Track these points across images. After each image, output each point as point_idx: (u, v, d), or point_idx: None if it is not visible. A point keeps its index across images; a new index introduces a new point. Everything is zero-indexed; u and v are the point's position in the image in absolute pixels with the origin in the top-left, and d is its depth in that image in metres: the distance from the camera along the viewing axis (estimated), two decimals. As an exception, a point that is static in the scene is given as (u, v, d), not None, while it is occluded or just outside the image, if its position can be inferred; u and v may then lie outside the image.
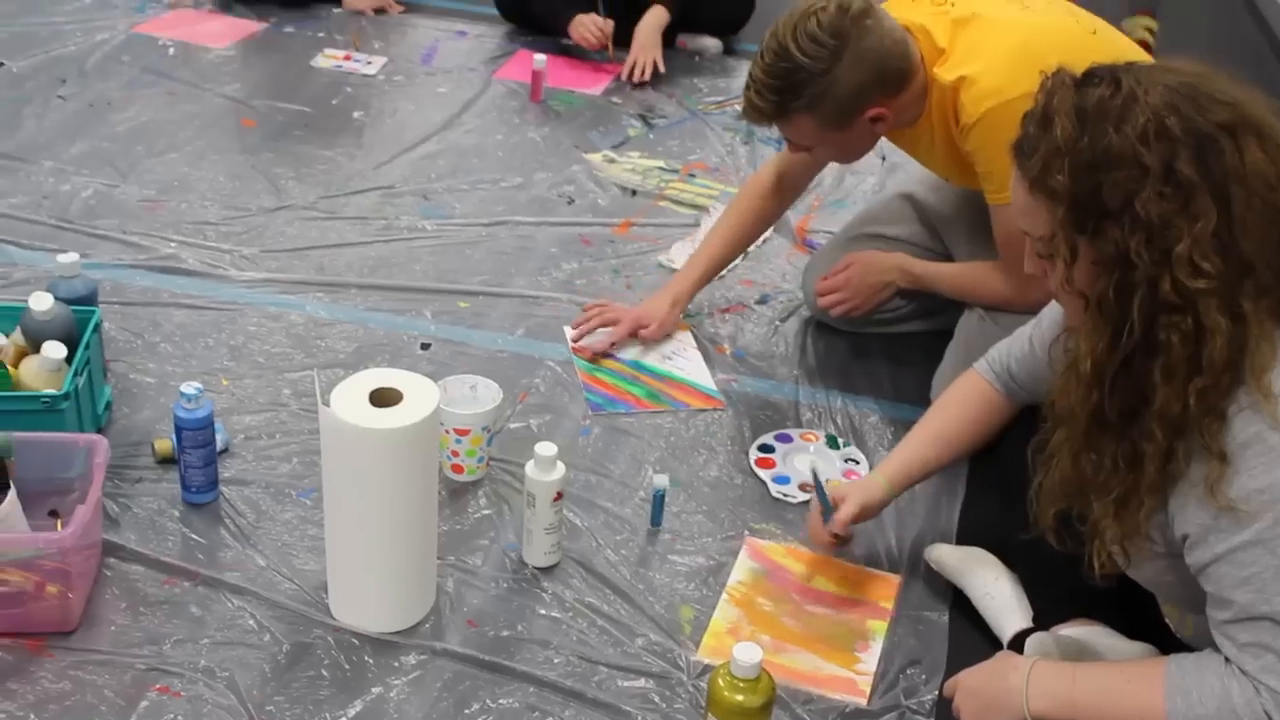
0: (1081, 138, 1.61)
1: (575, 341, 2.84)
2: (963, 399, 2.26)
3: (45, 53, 4.11)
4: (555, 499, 2.20)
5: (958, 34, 2.42)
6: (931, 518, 2.43)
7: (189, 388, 2.27)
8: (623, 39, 4.13)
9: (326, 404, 1.97)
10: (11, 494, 2.08)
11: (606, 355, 2.80)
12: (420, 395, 2.00)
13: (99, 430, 2.43)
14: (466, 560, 2.28)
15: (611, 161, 3.60)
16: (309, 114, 3.82)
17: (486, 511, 2.39)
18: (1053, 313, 2.07)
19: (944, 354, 2.67)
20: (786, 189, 2.88)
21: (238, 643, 2.10)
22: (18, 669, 2.04)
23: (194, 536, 2.30)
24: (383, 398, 1.98)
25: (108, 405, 2.56)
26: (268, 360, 2.76)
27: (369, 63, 4.15)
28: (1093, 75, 1.67)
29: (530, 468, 2.19)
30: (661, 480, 2.36)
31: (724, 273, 3.07)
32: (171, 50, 4.18)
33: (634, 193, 3.47)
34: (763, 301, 3.04)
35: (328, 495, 2.06)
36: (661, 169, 3.58)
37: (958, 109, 2.38)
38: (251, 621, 2.14)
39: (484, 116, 3.85)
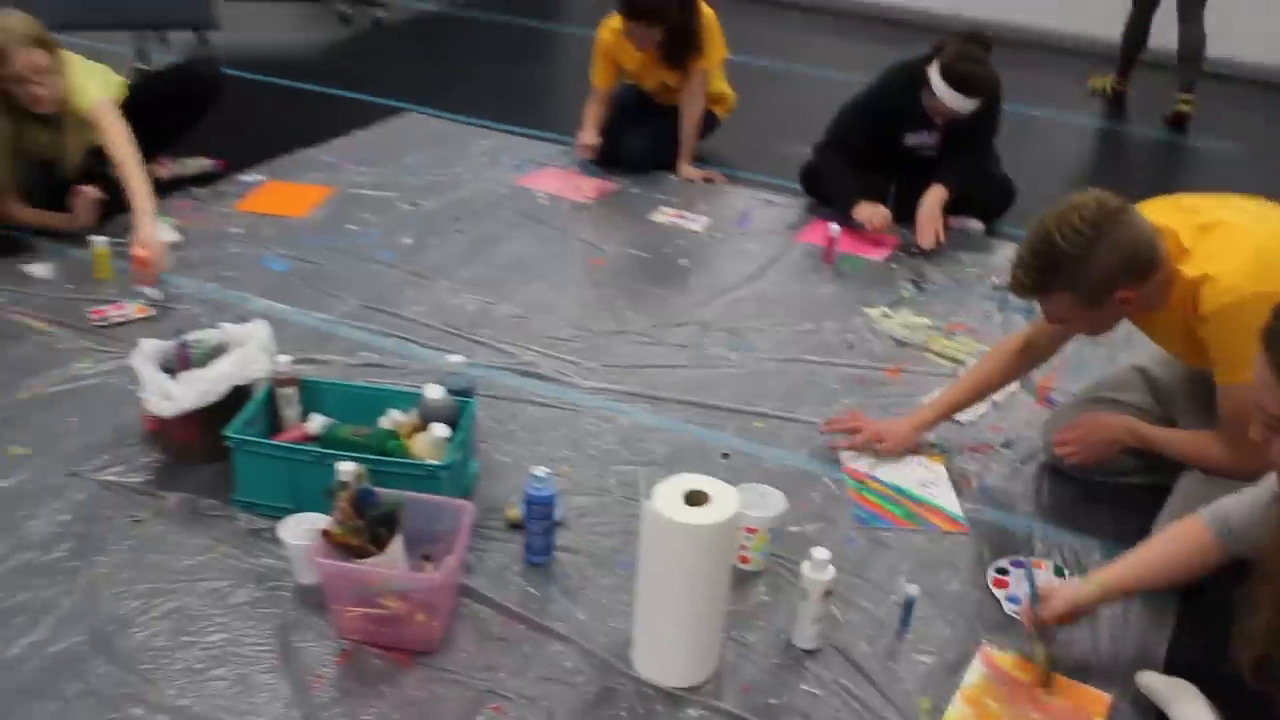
0: None
1: (822, 430, 2.88)
2: (1182, 537, 2.16)
3: (449, 197, 4.32)
4: (824, 595, 2.18)
5: (1201, 238, 2.34)
6: (1142, 644, 2.31)
7: (539, 470, 2.34)
8: (901, 215, 4.11)
9: (649, 499, 2.00)
10: (399, 538, 2.17)
11: (873, 479, 2.77)
12: (724, 499, 2.02)
13: (466, 496, 2.51)
14: (745, 636, 2.27)
15: (887, 316, 3.58)
16: (646, 259, 3.91)
17: (765, 598, 2.38)
18: (1271, 480, 1.97)
19: (1163, 506, 2.55)
20: (1034, 352, 2.82)
21: (557, 680, 2.14)
22: (389, 676, 2.13)
23: (531, 590, 2.35)
24: (694, 498, 2.01)
25: (474, 477, 2.65)
26: (599, 454, 2.81)
27: (695, 221, 4.22)
28: None
29: (806, 567, 2.18)
30: (912, 589, 2.32)
31: (975, 417, 3.02)
32: (543, 200, 4.33)
33: (903, 344, 3.44)
34: (1007, 445, 2.96)
35: (642, 571, 2.09)
36: (928, 326, 3.54)
37: (1198, 301, 2.30)
38: (569, 664, 2.18)
39: (785, 272, 3.87)
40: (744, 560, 2.42)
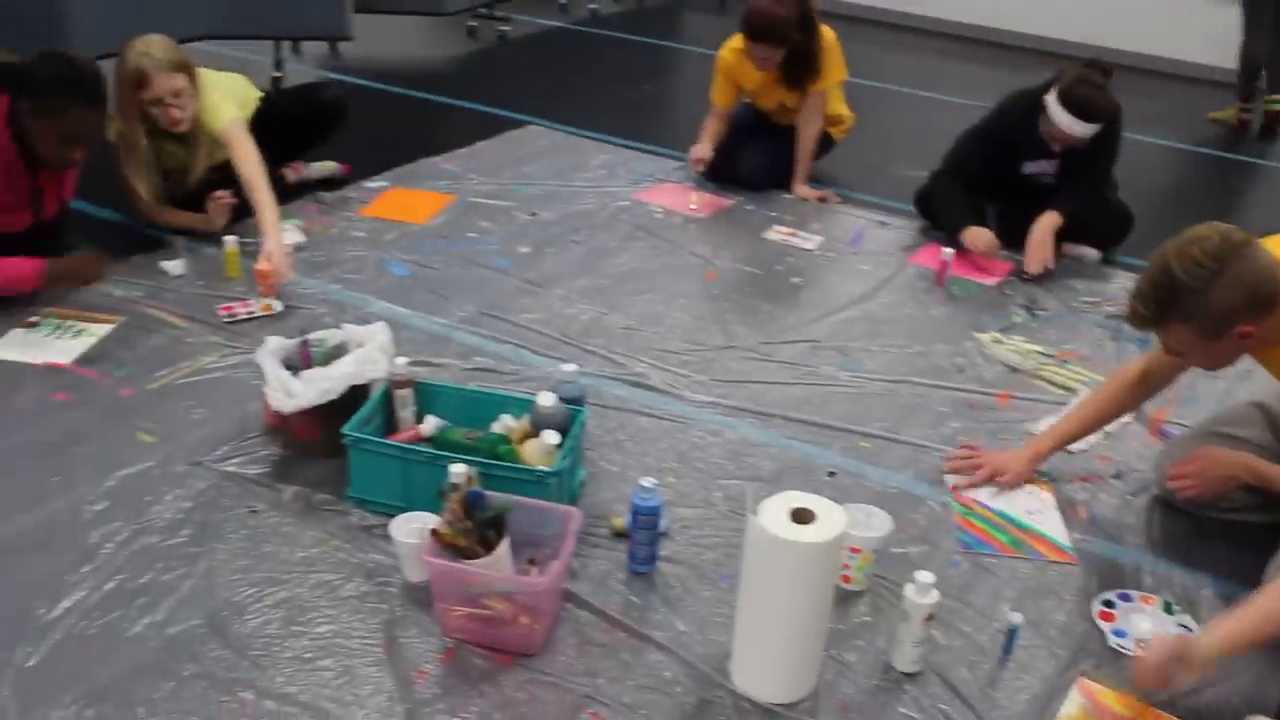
0: None
1: (944, 471, 2.79)
2: None
3: (566, 208, 4.34)
4: (926, 619, 2.13)
5: None
6: (1254, 689, 2.22)
7: (647, 481, 2.33)
8: (1012, 241, 4.02)
9: (755, 514, 1.98)
10: (506, 541, 2.18)
11: (979, 504, 2.72)
12: (830, 517, 1.99)
13: (573, 503, 2.51)
14: (844, 656, 2.23)
15: (998, 342, 3.51)
16: (758, 275, 3.89)
17: (866, 619, 2.34)
18: None
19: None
20: (1150, 384, 2.74)
21: (656, 689, 2.12)
22: (490, 676, 2.13)
23: (633, 598, 2.34)
24: (800, 515, 1.98)
25: (581, 484, 2.65)
26: (705, 467, 2.79)
27: (809, 239, 4.19)
28: None
29: (909, 589, 2.14)
30: (1016, 617, 2.26)
31: (1085, 447, 2.94)
32: (659, 215, 4.33)
33: (1014, 370, 3.36)
34: (1118, 476, 2.88)
35: (745, 586, 2.06)
36: (1040, 353, 3.46)
37: (1320, 338, 2.22)
38: (668, 674, 2.16)
39: (896, 293, 3.82)
40: (846, 580, 2.39)
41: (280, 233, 3.58)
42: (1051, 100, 3.83)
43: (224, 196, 3.79)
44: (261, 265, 3.44)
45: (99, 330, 3.26)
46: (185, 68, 3.61)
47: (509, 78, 6.29)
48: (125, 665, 2.11)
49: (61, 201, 3.49)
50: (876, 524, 2.39)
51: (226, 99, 3.77)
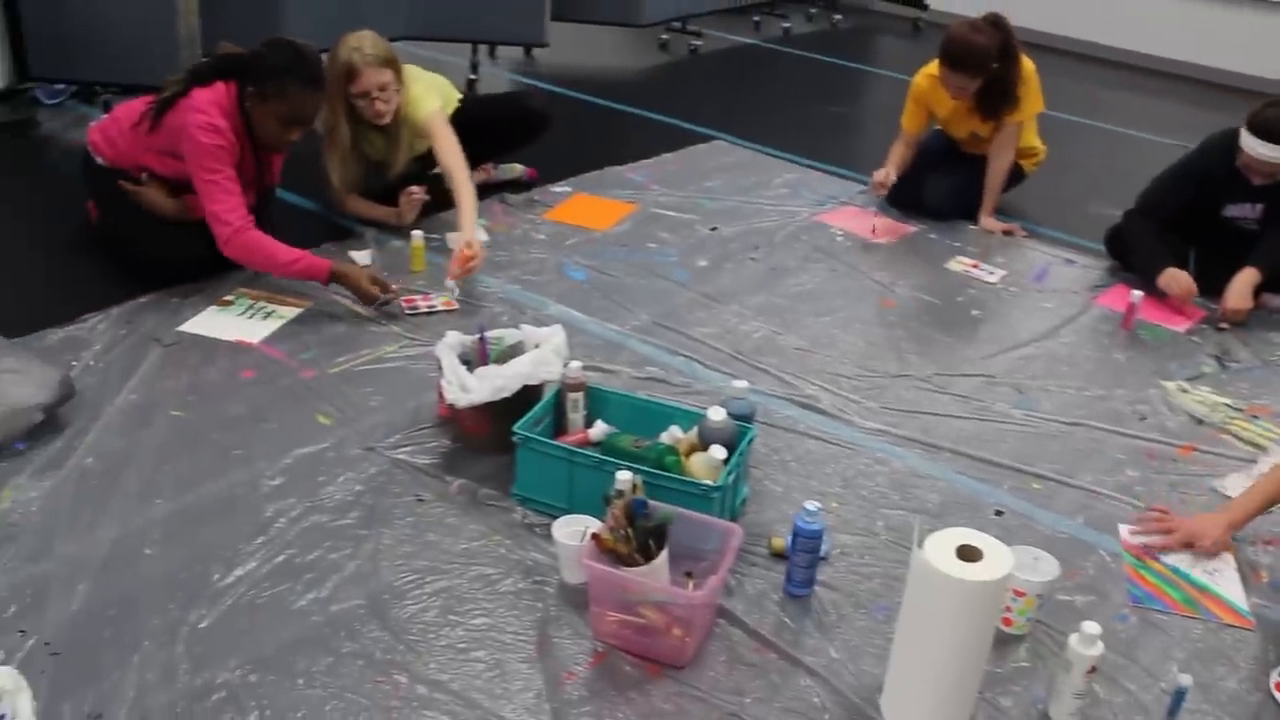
0: None
1: (1131, 538, 2.66)
2: None
3: (747, 225, 4.34)
4: (1089, 671, 2.06)
5: None
6: None
7: (811, 504, 2.30)
8: (1208, 288, 3.86)
9: (920, 548, 1.94)
10: (665, 552, 2.18)
11: (1153, 556, 2.61)
12: (997, 557, 1.94)
13: (734, 519, 2.50)
14: (999, 700, 2.17)
15: (1184, 391, 3.37)
16: (936, 305, 3.81)
17: (1024, 664, 2.27)
18: None
19: None
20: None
21: (803, 714, 2.10)
22: (638, 684, 2.13)
23: (787, 620, 2.32)
24: (967, 553, 1.93)
25: (743, 501, 2.64)
26: (870, 495, 2.75)
27: (991, 272, 4.10)
28: None
29: (1074, 639, 2.07)
30: (1185, 679, 2.15)
31: (1274, 509, 2.79)
32: (839, 238, 4.29)
33: (1200, 422, 3.22)
34: (1305, 543, 2.73)
35: (904, 619, 2.02)
36: (1228, 406, 3.31)
37: None
38: (816, 700, 2.13)
39: (1079, 333, 3.70)
40: (1008, 622, 2.32)
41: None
42: (1243, 130, 3.68)
43: (416, 193, 3.90)
44: (464, 250, 3.53)
45: (288, 313, 3.38)
46: (392, 63, 3.73)
47: (698, 92, 6.32)
48: (289, 636, 2.19)
49: (269, 185, 3.63)
50: (1043, 568, 2.32)
51: (430, 91, 3.88)
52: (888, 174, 4.45)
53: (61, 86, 5.15)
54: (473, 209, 3.68)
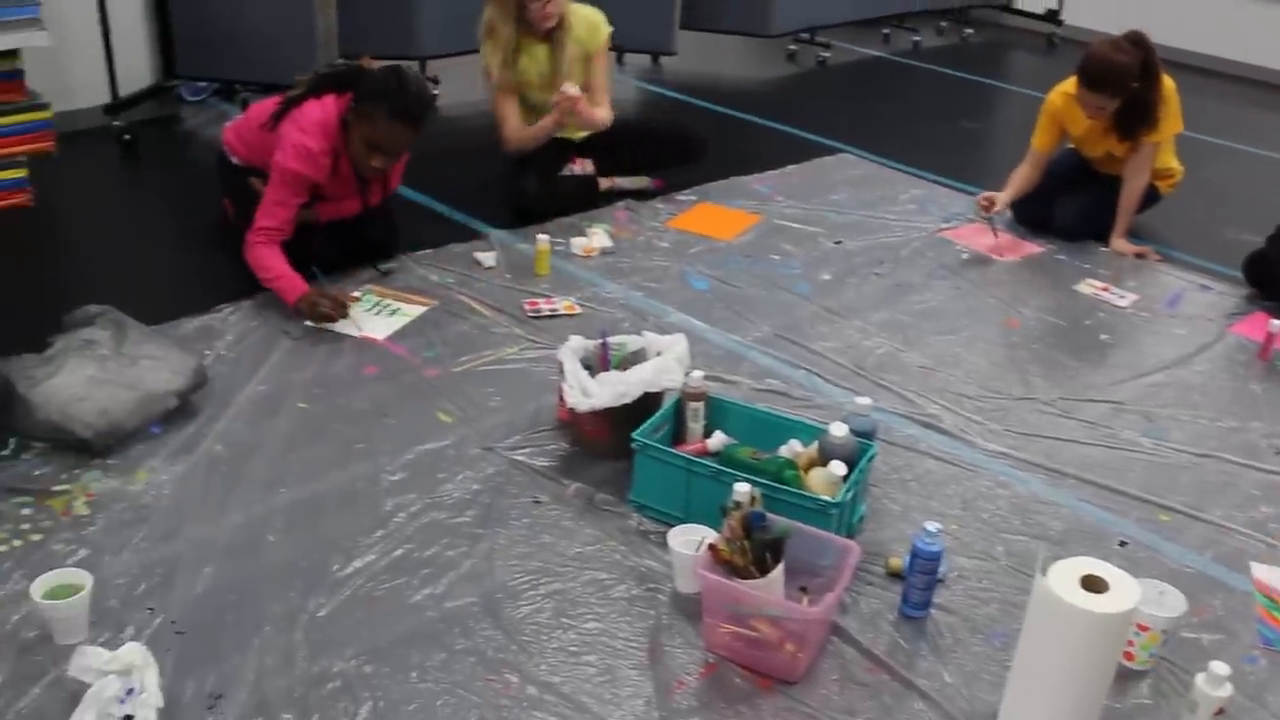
0: None
1: (1262, 578, 2.58)
2: None
3: (872, 239, 4.29)
4: (1216, 713, 2.00)
5: None
6: None
7: (931, 525, 2.27)
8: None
9: (1043, 574, 1.90)
10: (781, 566, 2.17)
11: (1286, 598, 2.53)
12: (1123, 589, 1.89)
13: (850, 536, 2.48)
14: (1120, 736, 2.11)
15: (1323, 427, 3.25)
16: (1063, 327, 3.73)
17: (1145, 701, 2.20)
18: None
19: None
20: None
21: (915, 739, 2.07)
22: (749, 698, 2.13)
23: (901, 641, 2.29)
24: (1091, 583, 1.89)
25: (860, 519, 2.61)
26: (990, 518, 2.70)
27: (1122, 297, 3.99)
28: None
29: (1201, 679, 2.01)
30: (1318, 726, 2.09)
31: None
32: (965, 255, 4.23)
33: (1342, 460, 3.11)
34: None
35: (1023, 647, 1.98)
36: (1373, 446, 3.18)
37: None
38: (929, 725, 2.10)
39: (1213, 362, 3.59)
40: (1129, 657, 2.26)
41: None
42: None
43: (569, 92, 4.02)
44: (568, 91, 3.92)
45: (413, 311, 3.44)
46: None
47: (825, 103, 6.28)
48: (404, 630, 2.22)
49: (386, 190, 3.70)
50: (1169, 603, 2.26)
51: (601, 19, 4.17)
52: (998, 196, 4.34)
53: (204, 84, 5.31)
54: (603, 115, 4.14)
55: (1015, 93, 6.83)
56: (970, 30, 8.23)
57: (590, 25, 4.15)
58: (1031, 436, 3.06)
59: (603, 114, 4.18)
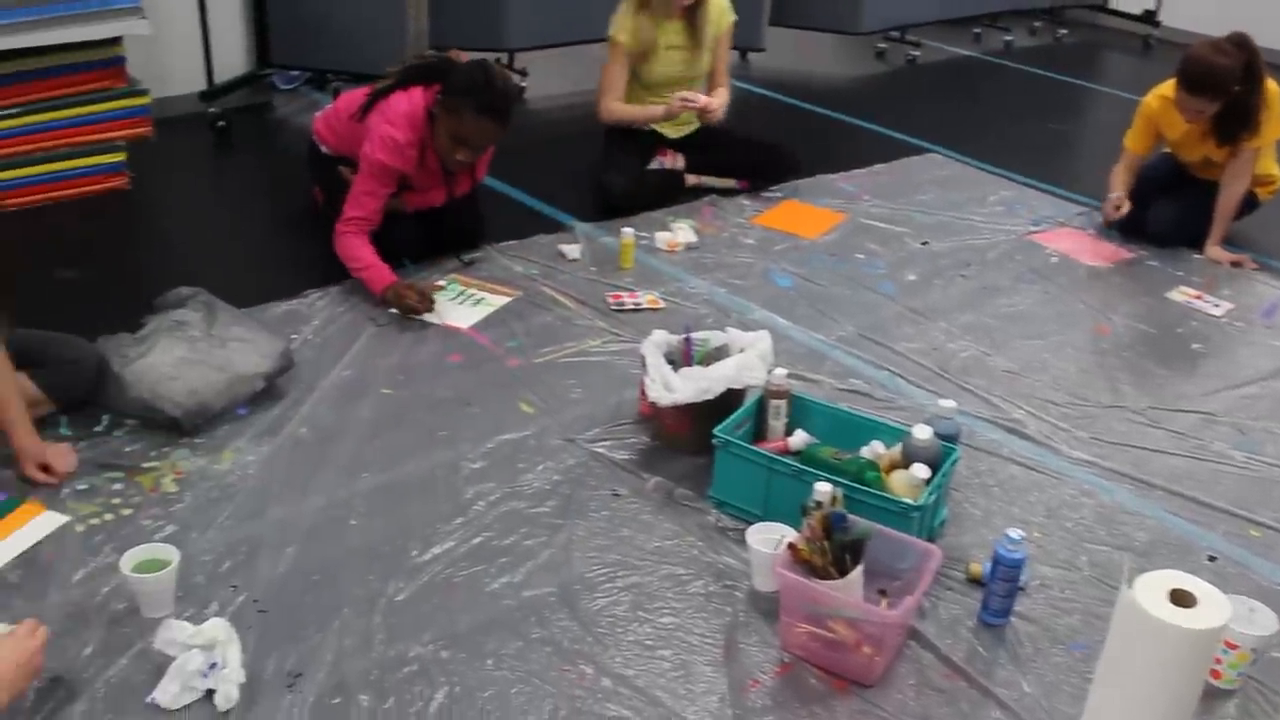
0: None
1: None
2: None
3: (959, 240, 4.24)
4: (1306, 734, 1.94)
5: None
6: None
7: (1015, 532, 2.24)
8: None
9: (1129, 587, 1.86)
10: (860, 568, 2.15)
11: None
12: (1213, 605, 1.84)
13: (931, 540, 2.45)
14: (1204, 755, 2.07)
15: None
16: (1154, 335, 3.66)
17: (1233, 720, 2.16)
18: None
19: None
20: None
21: (992, 748, 2.04)
22: (823, 699, 2.11)
23: (980, 649, 2.26)
24: (1180, 597, 1.85)
25: (941, 523, 2.58)
26: (1074, 527, 2.66)
27: (1217, 305, 3.90)
28: None
29: (1292, 699, 1.96)
30: None
31: None
32: (1054, 259, 4.16)
33: None
34: None
35: (1106, 660, 1.94)
36: None
37: None
38: (1006, 734, 2.07)
39: (1310, 375, 3.50)
40: (1216, 675, 2.20)
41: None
42: None
43: (695, 102, 4.14)
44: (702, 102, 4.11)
45: (497, 301, 3.47)
46: None
47: (913, 102, 6.22)
48: (481, 617, 2.24)
49: (474, 180, 3.72)
50: (1260, 621, 2.20)
51: (731, 10, 4.32)
52: (1120, 201, 4.28)
53: (297, 73, 5.39)
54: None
55: (1108, 94, 6.70)
56: (1064, 31, 8.10)
57: (720, 9, 4.28)
58: (1119, 445, 3.00)
59: (719, 100, 4.26)
